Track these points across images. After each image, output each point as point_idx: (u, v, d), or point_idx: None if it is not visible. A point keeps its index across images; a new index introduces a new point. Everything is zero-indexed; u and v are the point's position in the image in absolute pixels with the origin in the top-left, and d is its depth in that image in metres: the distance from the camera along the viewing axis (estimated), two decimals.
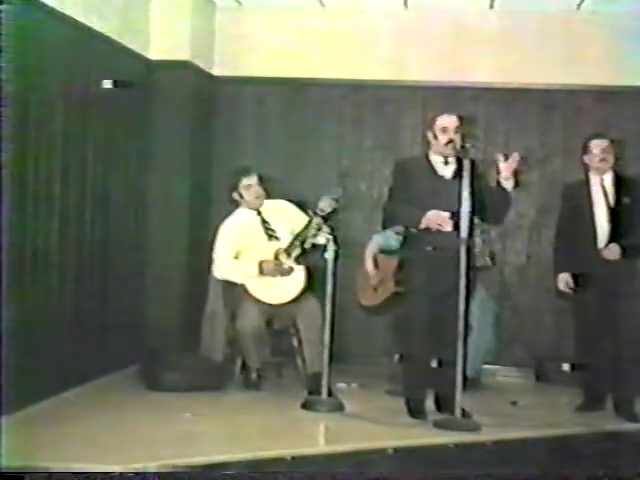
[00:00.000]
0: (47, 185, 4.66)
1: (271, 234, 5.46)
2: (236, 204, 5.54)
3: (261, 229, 5.47)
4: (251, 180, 5.45)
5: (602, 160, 4.94)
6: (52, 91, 4.68)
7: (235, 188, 5.47)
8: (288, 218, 5.48)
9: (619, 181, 4.97)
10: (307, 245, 5.26)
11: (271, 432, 4.43)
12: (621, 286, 4.84)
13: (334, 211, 5.14)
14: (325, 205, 5.02)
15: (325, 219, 5.06)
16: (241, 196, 5.47)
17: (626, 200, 4.90)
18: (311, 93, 6.53)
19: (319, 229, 5.05)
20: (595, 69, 6.16)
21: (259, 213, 5.50)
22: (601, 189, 4.96)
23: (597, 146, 4.96)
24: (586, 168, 5.05)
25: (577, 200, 5.03)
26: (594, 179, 5.00)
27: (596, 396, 5.01)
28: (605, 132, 5.21)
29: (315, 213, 5.08)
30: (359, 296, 5.78)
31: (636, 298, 4.89)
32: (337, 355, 5.08)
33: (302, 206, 5.47)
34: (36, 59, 4.49)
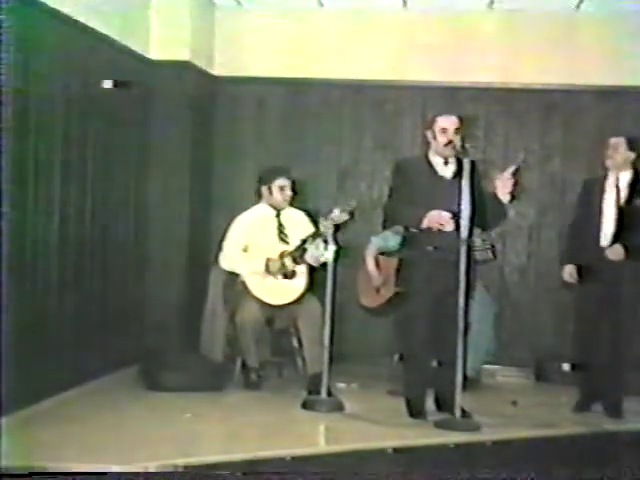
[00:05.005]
0: (47, 185, 4.66)
1: (283, 237, 5.46)
2: (259, 198, 5.55)
3: (275, 230, 5.47)
4: (287, 182, 5.49)
5: (608, 157, 4.94)
6: (52, 91, 4.68)
7: (267, 184, 5.49)
8: (303, 230, 5.43)
9: (636, 181, 4.93)
10: (310, 260, 5.27)
11: (271, 432, 4.42)
12: (623, 287, 4.82)
13: (345, 223, 5.07)
14: (336, 215, 4.94)
15: (336, 229, 5.01)
16: (270, 193, 5.48)
17: (638, 201, 4.86)
18: (311, 93, 6.52)
19: (325, 241, 5.00)
20: (595, 69, 6.15)
21: (278, 214, 5.51)
22: (614, 188, 4.93)
23: (608, 144, 4.96)
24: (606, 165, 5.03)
25: (590, 196, 5.02)
26: (611, 177, 4.98)
27: (592, 395, 5.00)
28: (609, 132, 5.18)
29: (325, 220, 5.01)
30: (361, 298, 5.79)
31: (637, 300, 4.87)
32: (337, 355, 5.08)
33: (314, 216, 5.46)
34: (36, 59, 4.48)
